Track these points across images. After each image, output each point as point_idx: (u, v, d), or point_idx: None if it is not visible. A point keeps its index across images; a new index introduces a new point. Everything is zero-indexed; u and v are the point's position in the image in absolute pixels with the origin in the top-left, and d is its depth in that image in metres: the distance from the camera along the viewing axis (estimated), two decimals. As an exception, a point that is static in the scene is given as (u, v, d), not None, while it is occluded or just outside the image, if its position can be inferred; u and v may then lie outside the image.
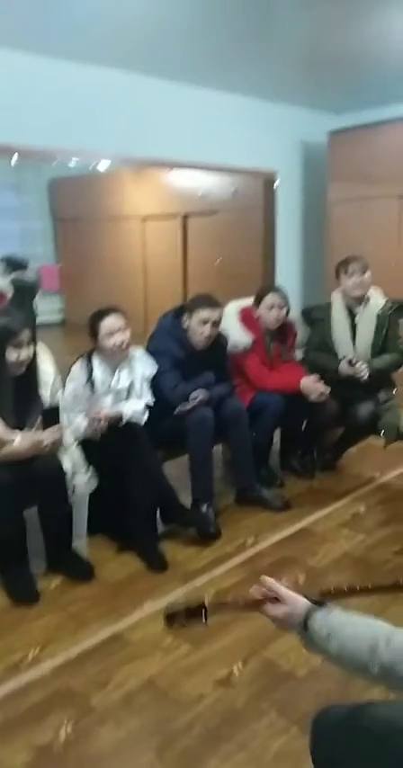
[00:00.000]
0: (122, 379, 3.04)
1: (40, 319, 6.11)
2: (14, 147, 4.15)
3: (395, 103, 5.47)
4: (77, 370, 3.01)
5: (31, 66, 3.98)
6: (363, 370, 3.54)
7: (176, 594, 2.60)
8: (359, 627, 1.19)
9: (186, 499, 3.14)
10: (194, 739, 1.88)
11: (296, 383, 3.49)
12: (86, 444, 2.89)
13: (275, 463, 3.86)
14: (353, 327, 3.70)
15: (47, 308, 8.88)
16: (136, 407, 3.01)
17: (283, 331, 3.72)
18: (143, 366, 3.12)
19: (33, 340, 2.72)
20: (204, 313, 3.21)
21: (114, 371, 3.05)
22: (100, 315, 3.00)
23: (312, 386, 3.46)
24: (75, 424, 2.87)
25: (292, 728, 1.89)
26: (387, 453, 3.67)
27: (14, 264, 6.27)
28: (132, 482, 2.84)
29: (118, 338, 2.96)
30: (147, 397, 3.10)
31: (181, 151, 4.91)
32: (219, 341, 3.38)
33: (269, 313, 3.59)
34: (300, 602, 1.27)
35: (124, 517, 2.92)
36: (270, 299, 3.61)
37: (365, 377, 3.54)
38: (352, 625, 1.19)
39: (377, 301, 3.73)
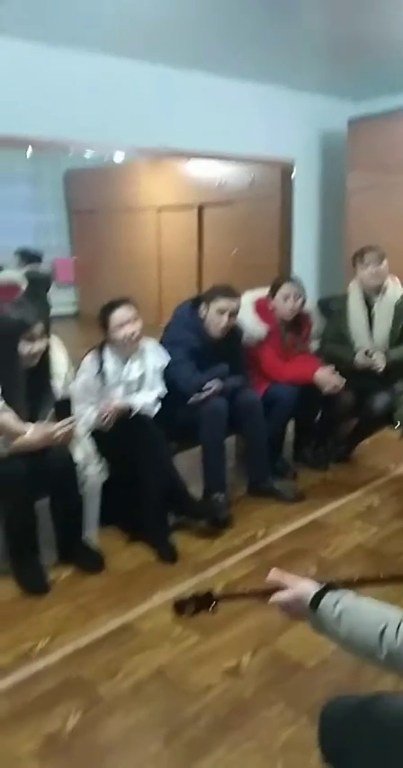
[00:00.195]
0: (133, 370, 3.04)
1: (54, 311, 6.15)
2: (30, 139, 4.15)
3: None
4: (88, 361, 3.02)
5: (45, 57, 3.96)
6: (380, 362, 3.50)
7: (187, 585, 2.60)
8: (370, 611, 1.16)
9: (198, 491, 3.13)
10: (202, 729, 1.87)
11: (311, 375, 3.46)
12: (98, 435, 2.89)
13: (289, 454, 3.84)
14: (371, 318, 3.67)
15: (61, 299, 8.94)
16: (147, 399, 3.01)
17: (299, 322, 3.69)
18: (155, 357, 3.12)
19: (47, 332, 2.73)
20: (222, 303, 3.20)
21: (125, 363, 3.04)
22: (110, 307, 3.00)
23: (327, 377, 3.43)
24: (86, 416, 2.87)
25: (302, 718, 1.88)
26: (402, 445, 3.63)
27: (29, 257, 6.32)
28: (143, 473, 2.84)
29: (128, 329, 2.96)
30: (159, 389, 3.09)
31: (197, 141, 4.86)
32: (234, 332, 3.37)
33: (284, 304, 3.56)
34: (308, 585, 1.24)
35: (135, 508, 2.92)
36: (285, 289, 3.57)
37: (381, 368, 3.50)
38: (363, 609, 1.17)
39: (395, 291, 3.68)
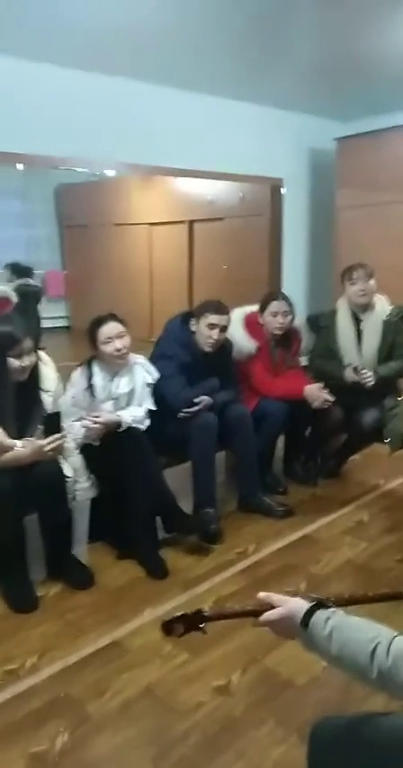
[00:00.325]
0: (122, 385, 3.04)
1: (45, 325, 6.13)
2: (20, 156, 4.16)
3: (402, 110, 5.45)
4: (77, 376, 3.02)
5: (36, 74, 3.99)
6: (369, 378, 3.52)
7: (177, 601, 2.58)
8: (360, 629, 1.16)
9: (188, 506, 3.12)
10: (191, 748, 1.86)
11: (300, 390, 3.47)
12: (87, 451, 2.88)
13: (279, 469, 3.84)
14: (359, 334, 3.69)
15: (52, 314, 8.92)
16: (136, 414, 3.00)
17: (288, 338, 3.71)
18: (144, 373, 3.12)
19: (36, 347, 2.72)
20: (212, 318, 3.22)
21: (114, 378, 3.04)
22: (98, 322, 3.01)
23: (316, 393, 3.45)
24: (74, 430, 2.86)
25: (291, 737, 1.87)
26: (391, 461, 3.64)
27: (19, 271, 6.31)
28: (133, 488, 2.83)
29: (117, 344, 2.96)
30: (148, 404, 3.09)
31: (188, 159, 4.91)
32: (225, 346, 3.38)
33: (273, 320, 3.58)
34: (298, 603, 1.24)
35: (125, 524, 2.90)
36: (274, 306, 3.59)
37: (371, 384, 3.52)
38: (354, 626, 1.16)
39: (383, 308, 3.71)
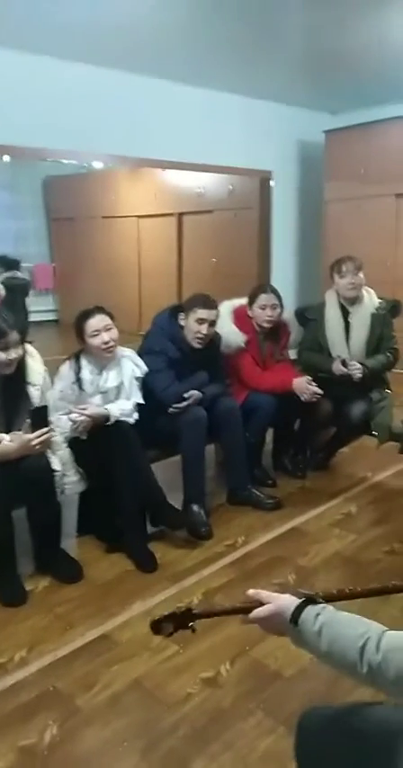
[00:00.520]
0: (110, 379, 3.02)
1: (33, 318, 6.10)
2: (7, 147, 4.13)
3: (390, 103, 5.46)
4: (65, 369, 3.00)
5: (24, 65, 3.96)
6: (357, 370, 3.53)
7: (166, 594, 2.59)
8: (350, 625, 1.15)
9: (177, 500, 3.12)
10: (180, 740, 1.86)
11: (289, 383, 3.47)
12: (76, 444, 2.87)
13: (268, 463, 3.85)
14: (347, 327, 3.69)
15: (41, 307, 8.88)
16: (124, 407, 2.99)
17: (277, 331, 3.70)
18: (133, 366, 3.10)
19: (23, 340, 2.70)
20: (201, 313, 3.20)
21: (102, 371, 3.03)
22: (85, 314, 2.99)
23: (305, 386, 3.45)
24: (62, 423, 2.85)
25: (279, 728, 1.88)
26: (379, 453, 3.67)
27: (7, 264, 6.27)
28: (121, 482, 2.82)
29: (104, 337, 2.94)
30: (137, 398, 3.08)
31: (176, 151, 4.89)
32: (213, 340, 3.37)
33: (262, 313, 3.58)
34: (288, 600, 1.23)
35: (113, 517, 2.90)
36: (263, 299, 3.59)
37: (359, 376, 3.52)
38: (344, 622, 1.16)
39: (371, 301, 3.71)
